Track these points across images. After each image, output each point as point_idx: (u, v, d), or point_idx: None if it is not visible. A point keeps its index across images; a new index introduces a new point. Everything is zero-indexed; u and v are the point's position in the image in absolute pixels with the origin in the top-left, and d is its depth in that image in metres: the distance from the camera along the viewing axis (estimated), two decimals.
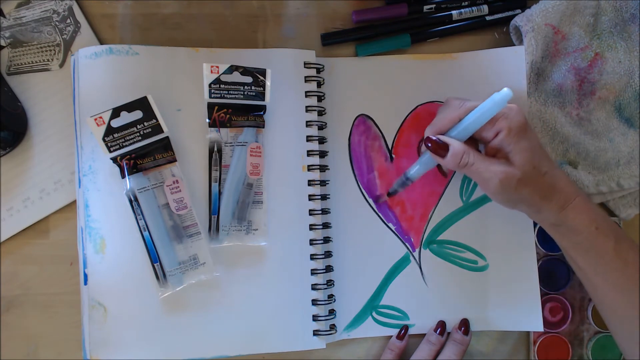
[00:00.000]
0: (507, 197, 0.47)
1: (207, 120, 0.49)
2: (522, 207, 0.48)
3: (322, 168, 0.52)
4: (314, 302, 0.51)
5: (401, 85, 0.54)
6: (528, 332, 0.55)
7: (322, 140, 0.53)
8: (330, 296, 0.52)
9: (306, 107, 0.52)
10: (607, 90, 0.54)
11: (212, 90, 0.48)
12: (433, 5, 0.55)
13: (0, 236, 0.51)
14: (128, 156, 0.47)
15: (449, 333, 0.53)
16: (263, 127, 0.50)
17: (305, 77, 0.52)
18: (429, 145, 0.46)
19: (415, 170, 0.49)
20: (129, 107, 0.47)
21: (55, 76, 0.52)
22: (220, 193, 0.49)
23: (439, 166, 0.51)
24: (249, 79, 0.49)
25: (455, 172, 0.54)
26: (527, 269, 0.54)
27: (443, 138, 0.46)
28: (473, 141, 0.48)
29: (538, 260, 0.54)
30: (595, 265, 0.47)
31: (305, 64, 0.52)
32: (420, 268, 0.54)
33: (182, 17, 0.53)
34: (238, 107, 0.49)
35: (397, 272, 0.54)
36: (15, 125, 0.50)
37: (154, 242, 0.48)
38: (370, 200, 0.54)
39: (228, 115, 0.49)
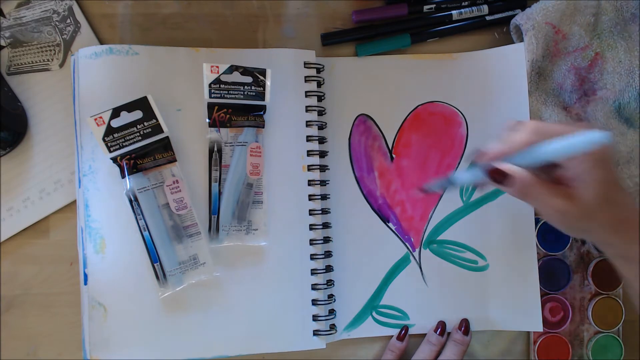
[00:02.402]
0: (568, 229, 0.43)
1: (207, 120, 0.49)
2: (585, 236, 0.45)
3: (322, 168, 0.52)
4: (314, 302, 0.51)
5: (401, 85, 0.54)
6: (528, 332, 0.55)
7: (322, 140, 0.53)
8: (330, 296, 0.52)
9: (306, 107, 0.52)
10: (608, 90, 0.54)
11: (212, 90, 0.48)
12: (433, 5, 0.55)
13: (0, 236, 0.51)
14: (128, 156, 0.47)
15: (449, 333, 0.53)
16: (263, 127, 0.50)
17: (305, 77, 0.52)
18: (493, 174, 0.42)
19: (463, 178, 0.45)
20: (129, 107, 0.47)
21: (55, 76, 0.52)
22: (220, 193, 0.49)
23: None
24: (249, 79, 0.49)
25: (454, 172, 0.54)
26: (527, 269, 0.54)
27: (508, 169, 0.41)
28: None
29: (538, 260, 0.54)
30: None
31: (305, 64, 0.52)
32: (420, 268, 0.54)
33: (182, 17, 0.53)
34: (238, 107, 0.49)
35: (397, 272, 0.54)
36: (15, 125, 0.50)
37: (154, 242, 0.48)
38: (370, 200, 0.54)
39: (228, 115, 0.49)
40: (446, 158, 0.54)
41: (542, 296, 0.54)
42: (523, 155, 0.41)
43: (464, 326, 0.53)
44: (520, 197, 0.42)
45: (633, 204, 0.43)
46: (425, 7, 0.55)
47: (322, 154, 0.53)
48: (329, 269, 0.52)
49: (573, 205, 0.40)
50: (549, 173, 0.42)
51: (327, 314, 0.51)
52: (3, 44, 0.52)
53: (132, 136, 0.47)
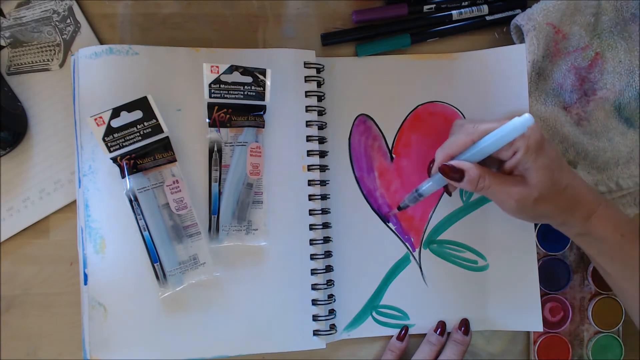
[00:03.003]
0: (526, 215, 0.47)
1: (207, 120, 0.49)
2: (544, 221, 0.48)
3: (322, 168, 0.52)
4: (314, 302, 0.51)
5: (401, 85, 0.54)
6: (528, 332, 0.55)
7: (322, 140, 0.53)
8: (330, 296, 0.52)
9: (306, 107, 0.52)
10: (608, 90, 0.54)
11: (212, 90, 0.48)
12: (433, 5, 0.55)
13: (0, 236, 0.51)
14: (128, 156, 0.47)
15: (449, 333, 0.53)
16: (263, 127, 0.50)
17: (305, 77, 0.52)
18: (444, 170, 0.45)
19: (428, 187, 0.48)
20: (129, 107, 0.47)
21: (55, 76, 0.52)
22: (220, 193, 0.49)
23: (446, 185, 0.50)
24: (249, 79, 0.49)
25: None
26: (527, 269, 0.54)
27: (457, 163, 0.45)
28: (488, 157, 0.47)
29: (538, 260, 0.54)
30: (623, 271, 0.47)
31: (305, 63, 0.52)
32: (420, 268, 0.54)
33: (182, 17, 0.53)
34: (238, 107, 0.49)
35: (397, 272, 0.54)
36: (15, 125, 0.50)
37: (154, 242, 0.48)
38: (370, 200, 0.54)
39: (228, 115, 0.49)
40: None
41: (542, 296, 0.54)
42: (466, 154, 0.46)
43: (464, 326, 0.53)
44: (478, 190, 0.45)
45: (580, 183, 0.47)
46: (425, 7, 0.55)
47: (322, 154, 0.53)
48: (329, 269, 0.52)
49: (527, 191, 0.44)
50: (501, 169, 0.47)
51: (327, 314, 0.51)
52: (3, 44, 0.52)
53: (132, 136, 0.47)
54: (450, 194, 0.50)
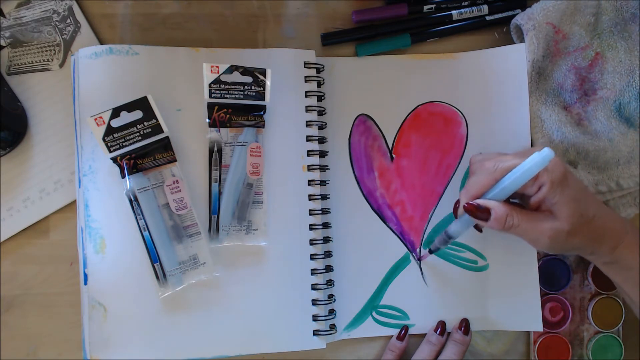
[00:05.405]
0: (558, 250, 0.46)
1: (207, 120, 0.49)
2: (575, 252, 0.48)
3: (322, 168, 0.52)
4: (314, 302, 0.51)
5: (401, 85, 0.54)
6: (528, 332, 0.55)
7: (322, 140, 0.53)
8: (330, 296, 0.52)
9: (306, 107, 0.52)
10: (608, 90, 0.54)
11: (212, 90, 0.48)
12: (433, 5, 0.55)
13: (0, 236, 0.51)
14: (128, 156, 0.47)
15: (449, 333, 0.53)
16: (263, 127, 0.50)
17: (305, 77, 0.52)
18: (469, 210, 0.45)
19: (456, 228, 0.48)
20: (129, 107, 0.47)
21: (55, 76, 0.52)
22: (220, 193, 0.49)
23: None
24: (249, 79, 0.49)
25: (454, 172, 0.54)
26: (527, 269, 0.54)
27: (483, 202, 0.45)
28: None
29: (538, 260, 0.54)
30: None
31: (305, 63, 0.52)
32: (420, 268, 0.54)
33: (182, 17, 0.53)
34: (238, 107, 0.49)
35: (397, 272, 0.54)
36: (15, 125, 0.50)
37: (154, 242, 0.48)
38: (370, 200, 0.54)
39: (228, 115, 0.49)
40: (446, 158, 0.54)
41: (542, 296, 0.54)
42: (490, 193, 0.45)
43: (464, 326, 0.53)
44: (507, 229, 0.45)
45: (607, 211, 0.47)
46: (425, 7, 0.55)
47: (322, 154, 0.53)
48: (329, 269, 0.52)
49: (559, 226, 0.44)
50: (526, 204, 0.46)
51: (327, 314, 0.51)
52: (3, 44, 0.52)
53: (132, 136, 0.47)
54: (481, 231, 0.50)
